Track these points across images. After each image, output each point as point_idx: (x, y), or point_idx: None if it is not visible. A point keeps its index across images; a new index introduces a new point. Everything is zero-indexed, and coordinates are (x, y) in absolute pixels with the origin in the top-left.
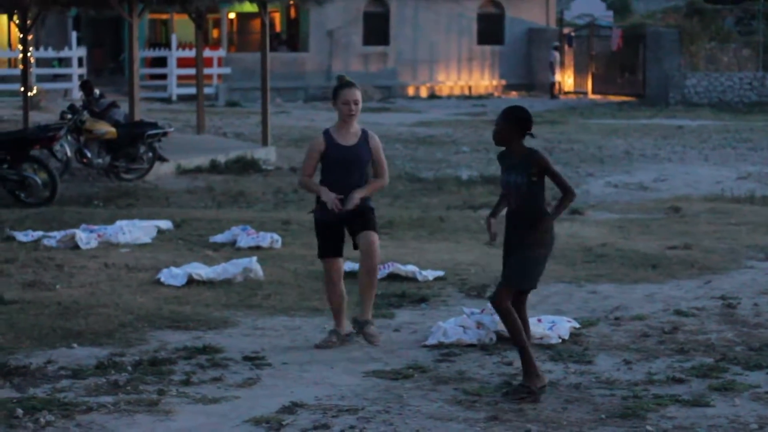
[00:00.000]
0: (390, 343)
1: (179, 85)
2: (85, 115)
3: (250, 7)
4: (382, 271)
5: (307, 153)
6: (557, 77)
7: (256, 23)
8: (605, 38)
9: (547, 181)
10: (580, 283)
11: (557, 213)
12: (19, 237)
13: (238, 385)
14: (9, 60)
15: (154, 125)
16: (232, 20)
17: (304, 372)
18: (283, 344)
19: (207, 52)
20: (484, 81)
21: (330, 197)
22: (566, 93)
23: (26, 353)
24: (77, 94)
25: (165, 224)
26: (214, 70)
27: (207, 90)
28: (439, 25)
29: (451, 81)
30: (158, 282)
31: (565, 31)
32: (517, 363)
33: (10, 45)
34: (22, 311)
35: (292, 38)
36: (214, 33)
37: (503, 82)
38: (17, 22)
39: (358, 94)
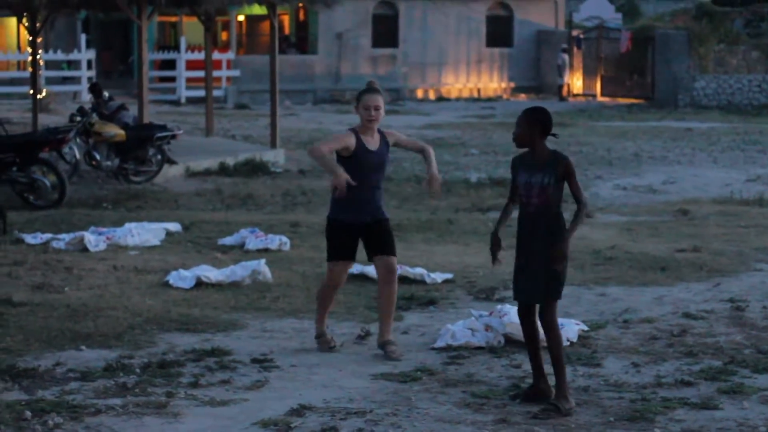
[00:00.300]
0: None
1: (188, 88)
2: (94, 117)
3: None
4: None
5: (334, 137)
6: (566, 79)
7: (265, 26)
8: (614, 40)
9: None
10: (588, 285)
11: (574, 228)
12: (28, 239)
13: (246, 388)
14: (18, 63)
15: (163, 128)
16: (241, 23)
17: (312, 374)
18: (291, 347)
19: (216, 55)
20: (492, 83)
21: (341, 180)
22: (575, 95)
23: (35, 355)
24: (86, 97)
25: (174, 227)
26: (223, 73)
27: (216, 92)
28: (447, 27)
29: (459, 83)
30: (167, 284)
31: (574, 33)
32: (525, 366)
33: (19, 48)
34: (31, 313)
35: (301, 41)
36: (223, 35)
37: (512, 84)
38: (26, 24)
39: (380, 100)
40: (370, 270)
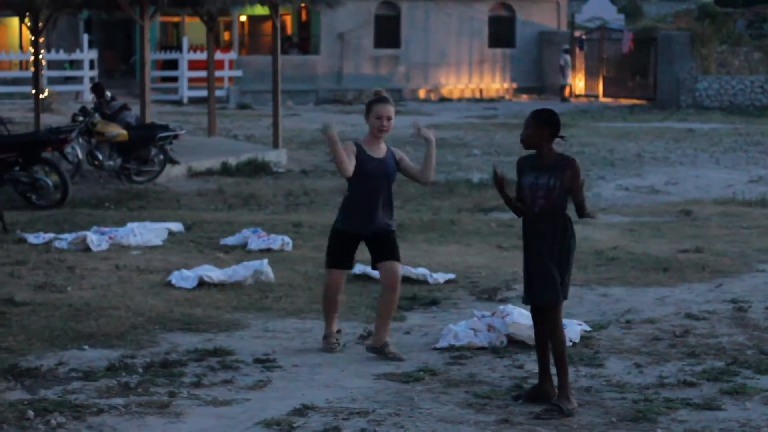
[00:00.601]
0: (401, 346)
1: (190, 88)
2: (97, 117)
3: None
4: None
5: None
6: (569, 80)
7: (267, 26)
8: (616, 41)
9: None
10: (591, 286)
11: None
12: (30, 239)
13: (248, 388)
14: (20, 62)
15: (166, 128)
16: (243, 23)
17: (314, 374)
18: (293, 347)
19: (218, 55)
20: (495, 84)
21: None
22: (577, 96)
23: (37, 355)
24: (88, 97)
25: (176, 226)
26: (225, 73)
27: (218, 92)
28: (450, 27)
29: (461, 84)
30: (169, 284)
31: (577, 34)
32: (528, 366)
33: (21, 47)
34: (34, 313)
35: (303, 41)
36: (226, 35)
37: (514, 85)
38: (29, 24)
39: (391, 111)
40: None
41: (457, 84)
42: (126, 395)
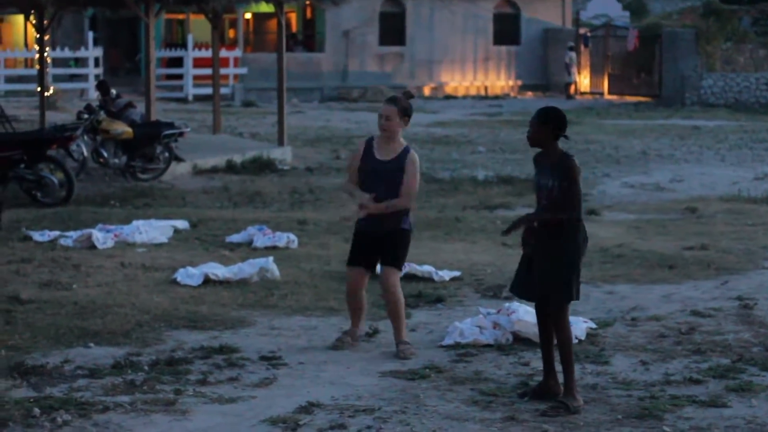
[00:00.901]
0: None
1: (195, 85)
2: (102, 115)
3: (266, 8)
4: None
5: (348, 158)
6: (574, 78)
7: (272, 23)
8: (621, 39)
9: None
10: (596, 283)
11: (538, 215)
12: (35, 237)
13: (254, 385)
14: (26, 60)
15: (171, 125)
16: (248, 20)
17: (320, 372)
18: (299, 344)
19: (223, 53)
20: (500, 81)
21: (364, 198)
22: (582, 93)
23: (43, 353)
24: (94, 94)
25: (181, 224)
26: (230, 71)
27: (223, 90)
28: (455, 25)
29: (467, 81)
30: (175, 282)
31: (581, 31)
32: (533, 363)
33: (26, 45)
34: (39, 311)
35: (308, 38)
36: (231, 33)
37: (519, 82)
38: (34, 22)
39: (389, 110)
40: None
41: (462, 81)
42: (132, 393)
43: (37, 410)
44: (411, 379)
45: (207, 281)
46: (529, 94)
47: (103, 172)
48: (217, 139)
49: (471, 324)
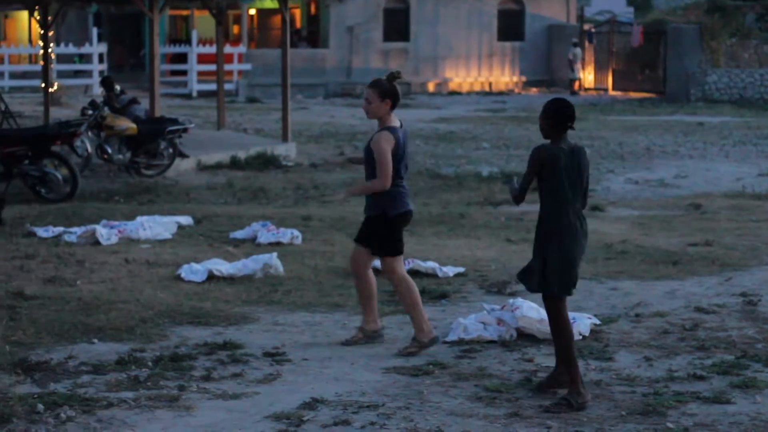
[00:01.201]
0: (410, 340)
1: (200, 81)
2: (106, 111)
3: (270, 3)
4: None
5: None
6: (578, 74)
7: (277, 19)
8: (626, 35)
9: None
10: (600, 279)
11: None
12: (39, 233)
13: (258, 381)
14: (30, 56)
15: (175, 121)
16: (252, 16)
17: (324, 368)
18: (303, 340)
19: (227, 48)
20: (504, 77)
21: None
22: (586, 89)
23: (47, 349)
24: (98, 90)
25: (185, 220)
26: (235, 66)
27: (227, 86)
28: (459, 21)
29: (471, 77)
30: (179, 278)
31: (586, 27)
32: (537, 359)
33: (31, 41)
34: (43, 307)
35: (313, 34)
36: (235, 29)
37: (523, 78)
38: (38, 18)
39: (368, 93)
40: (376, 263)
41: (466, 77)
42: (135, 389)
43: (40, 406)
44: (415, 375)
45: (211, 277)
46: (534, 90)
47: (107, 168)
48: (221, 135)
49: (475, 320)
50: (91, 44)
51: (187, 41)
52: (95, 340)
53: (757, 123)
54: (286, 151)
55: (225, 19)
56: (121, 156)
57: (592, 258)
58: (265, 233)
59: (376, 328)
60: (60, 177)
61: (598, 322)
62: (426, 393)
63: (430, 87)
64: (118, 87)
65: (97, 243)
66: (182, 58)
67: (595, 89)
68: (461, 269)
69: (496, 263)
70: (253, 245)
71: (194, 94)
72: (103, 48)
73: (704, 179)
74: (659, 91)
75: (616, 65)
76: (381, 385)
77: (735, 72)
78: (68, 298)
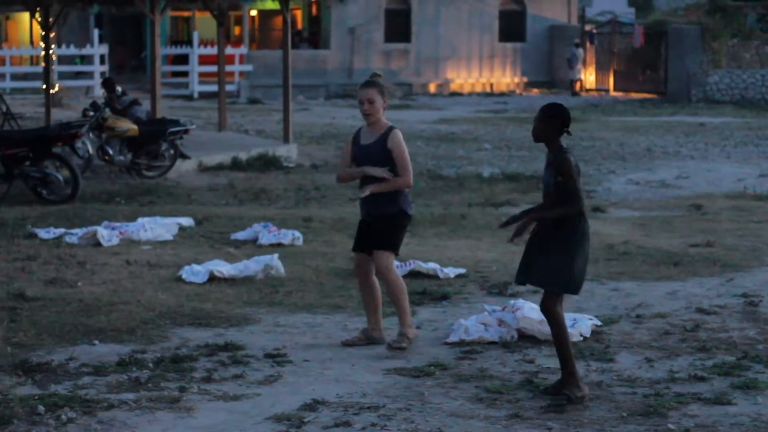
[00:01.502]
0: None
1: (201, 83)
2: (107, 112)
3: (271, 5)
4: (403, 269)
5: (344, 151)
6: (580, 74)
7: (278, 20)
8: (627, 35)
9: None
10: (601, 280)
11: (536, 213)
12: (41, 234)
13: (259, 383)
14: (31, 57)
15: (176, 122)
16: (253, 17)
17: (325, 369)
18: (304, 341)
19: (229, 50)
20: (505, 78)
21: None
22: (588, 90)
23: (48, 350)
24: (99, 92)
25: (187, 221)
26: (236, 68)
27: (229, 87)
28: (460, 22)
29: (472, 78)
30: (180, 279)
31: (587, 28)
32: (539, 361)
33: (32, 42)
34: (44, 308)
35: (314, 35)
36: (236, 30)
37: (525, 79)
38: (39, 19)
39: (371, 93)
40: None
41: (467, 78)
42: (136, 390)
43: (41, 408)
44: (416, 377)
45: (212, 278)
46: (535, 91)
47: (108, 169)
48: (222, 136)
49: (476, 321)
50: (92, 45)
51: (189, 42)
52: (96, 342)
53: (759, 124)
54: (288, 152)
55: (226, 20)
56: (122, 157)
57: (594, 259)
58: (266, 234)
59: (380, 337)
60: (61, 178)
61: (599, 323)
62: (427, 394)
63: (432, 88)
64: (119, 88)
65: (98, 244)
66: (183, 59)
67: (597, 90)
68: (462, 270)
69: (497, 264)
70: (254, 246)
71: (195, 95)
72: (104, 49)
73: (705, 180)
74: (660, 92)
75: (618, 66)
76: (382, 386)
77: (736, 72)
78: (69, 300)
